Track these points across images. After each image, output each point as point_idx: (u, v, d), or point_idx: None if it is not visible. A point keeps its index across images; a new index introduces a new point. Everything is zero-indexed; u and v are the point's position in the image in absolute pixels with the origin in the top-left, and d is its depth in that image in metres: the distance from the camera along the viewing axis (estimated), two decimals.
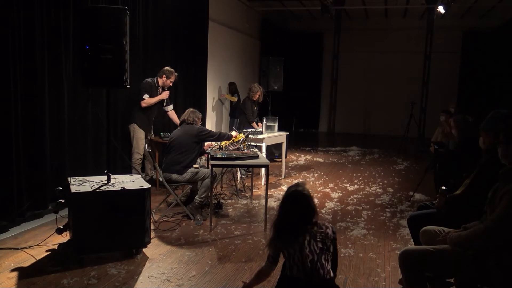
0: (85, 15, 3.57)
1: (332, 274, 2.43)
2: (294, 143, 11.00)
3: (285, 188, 6.39)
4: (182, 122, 4.97)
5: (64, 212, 3.82)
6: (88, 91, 5.03)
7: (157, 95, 5.70)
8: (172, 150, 4.78)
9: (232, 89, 9.49)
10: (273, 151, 8.33)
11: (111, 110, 4.61)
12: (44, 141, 4.49)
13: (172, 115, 6.10)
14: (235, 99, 9.42)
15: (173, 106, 6.19)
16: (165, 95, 5.78)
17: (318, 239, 2.45)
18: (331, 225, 2.54)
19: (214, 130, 9.02)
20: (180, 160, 4.71)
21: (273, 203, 5.41)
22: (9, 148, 4.07)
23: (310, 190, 2.52)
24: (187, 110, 5.02)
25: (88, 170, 4.97)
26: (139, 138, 5.66)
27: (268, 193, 4.83)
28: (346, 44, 13.36)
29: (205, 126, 7.90)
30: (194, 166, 4.92)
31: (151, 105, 5.67)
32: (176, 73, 5.76)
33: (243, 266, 3.55)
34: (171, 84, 5.78)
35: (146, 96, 5.59)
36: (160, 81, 5.73)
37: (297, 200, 2.48)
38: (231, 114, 9.40)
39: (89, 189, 3.46)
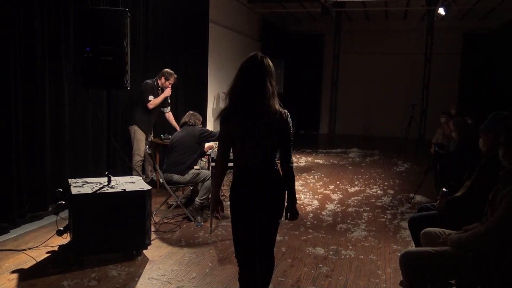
0: (85, 16, 3.57)
1: (277, 166, 2.45)
2: (295, 145, 10.93)
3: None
4: (183, 124, 5.01)
5: (65, 213, 3.82)
6: (88, 92, 5.02)
7: (158, 96, 5.70)
8: (174, 151, 4.79)
9: None
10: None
11: (111, 111, 4.61)
12: (44, 142, 4.49)
13: (170, 117, 6.10)
14: None
15: (174, 108, 6.19)
16: (167, 92, 5.78)
17: (270, 123, 2.36)
18: (287, 114, 2.45)
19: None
20: (183, 161, 4.72)
21: None
22: (9, 149, 4.07)
23: (270, 63, 2.41)
24: (187, 113, 5.06)
25: (88, 171, 4.97)
26: (140, 139, 5.65)
27: None
28: (346, 46, 13.36)
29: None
30: (195, 167, 4.93)
31: (156, 106, 5.68)
32: (175, 75, 5.76)
33: None
34: (169, 86, 5.77)
35: (151, 97, 5.59)
36: (160, 83, 5.73)
37: (244, 69, 2.39)
38: None
39: (90, 191, 3.46)
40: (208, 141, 5.02)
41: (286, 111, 2.45)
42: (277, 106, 2.41)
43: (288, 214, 2.56)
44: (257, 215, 2.46)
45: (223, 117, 2.42)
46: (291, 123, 2.47)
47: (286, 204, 2.54)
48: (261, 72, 2.37)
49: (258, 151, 2.39)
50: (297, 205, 2.57)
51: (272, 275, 2.71)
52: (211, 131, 4.97)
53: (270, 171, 2.46)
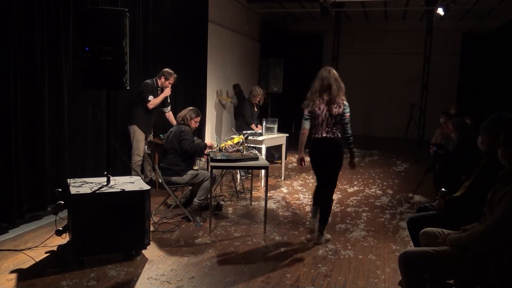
0: (85, 16, 3.57)
1: (338, 135, 4.05)
2: (294, 145, 10.92)
3: (285, 189, 6.39)
4: (177, 122, 5.03)
5: (64, 213, 3.82)
6: (88, 92, 5.02)
7: (158, 95, 5.70)
8: (169, 153, 4.79)
9: (236, 91, 9.48)
10: (273, 152, 8.32)
11: (111, 111, 4.61)
12: (44, 142, 4.48)
13: (170, 116, 6.11)
14: (228, 99, 9.44)
15: (173, 107, 6.19)
16: (167, 91, 5.77)
17: (330, 109, 3.93)
18: (346, 104, 4.00)
19: (214, 131, 9.03)
20: (178, 162, 4.71)
21: (272, 205, 5.40)
22: (8, 149, 4.07)
23: (335, 73, 4.04)
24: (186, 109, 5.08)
25: (87, 171, 4.96)
26: (139, 139, 5.65)
27: (268, 194, 4.83)
28: (345, 46, 13.32)
29: (204, 128, 7.91)
30: (194, 168, 4.92)
31: (156, 106, 5.68)
32: (175, 75, 5.76)
33: (243, 267, 3.55)
34: (169, 86, 5.78)
35: (151, 97, 5.59)
36: (159, 82, 5.73)
37: (319, 77, 4.02)
38: (234, 117, 9.40)
39: (89, 191, 3.46)
40: (183, 144, 4.74)
41: (346, 102, 4.01)
42: (340, 99, 3.98)
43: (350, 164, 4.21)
44: (322, 163, 4.08)
45: (306, 105, 4.02)
46: (346, 110, 3.99)
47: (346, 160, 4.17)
48: (327, 77, 4.00)
49: (322, 125, 3.97)
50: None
51: (331, 208, 4.32)
52: (189, 138, 4.73)
53: (330, 138, 3.99)
